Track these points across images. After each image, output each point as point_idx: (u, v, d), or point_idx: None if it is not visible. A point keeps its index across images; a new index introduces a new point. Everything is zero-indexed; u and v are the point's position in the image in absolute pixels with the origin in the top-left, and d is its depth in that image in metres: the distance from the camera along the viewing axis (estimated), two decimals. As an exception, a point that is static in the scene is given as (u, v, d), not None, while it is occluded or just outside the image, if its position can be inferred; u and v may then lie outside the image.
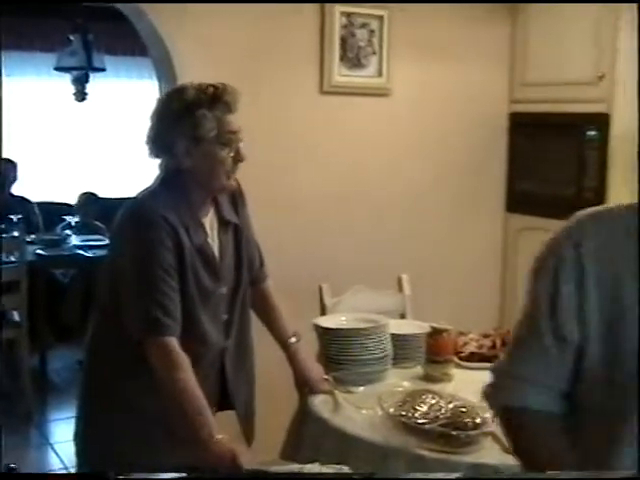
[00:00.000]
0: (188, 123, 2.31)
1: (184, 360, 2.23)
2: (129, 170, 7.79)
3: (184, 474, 1.81)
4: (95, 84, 7.34)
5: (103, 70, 7.26)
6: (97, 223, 6.84)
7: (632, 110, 4.11)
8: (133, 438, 2.36)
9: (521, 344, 1.57)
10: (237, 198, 2.57)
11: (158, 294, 2.25)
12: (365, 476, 1.77)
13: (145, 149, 2.40)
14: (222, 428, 2.39)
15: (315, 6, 4.08)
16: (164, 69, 3.85)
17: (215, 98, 2.33)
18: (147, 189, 2.43)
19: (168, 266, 2.28)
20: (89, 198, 7.15)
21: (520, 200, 4.73)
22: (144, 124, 2.39)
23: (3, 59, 5.85)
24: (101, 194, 7.32)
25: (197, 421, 2.17)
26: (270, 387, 2.90)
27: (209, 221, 2.47)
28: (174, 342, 2.24)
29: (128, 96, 8.22)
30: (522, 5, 4.57)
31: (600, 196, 4.20)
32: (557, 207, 4.41)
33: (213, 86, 2.34)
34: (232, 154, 2.37)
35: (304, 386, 2.70)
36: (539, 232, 4.55)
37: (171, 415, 2.23)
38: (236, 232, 2.55)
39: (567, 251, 1.48)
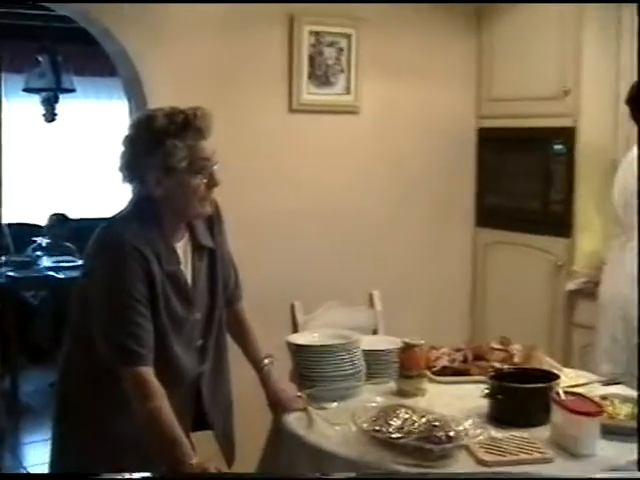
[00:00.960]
0: (158, 153, 2.25)
1: (158, 389, 2.20)
2: (99, 190, 7.77)
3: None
4: (65, 105, 7.33)
5: (72, 91, 7.26)
6: (68, 244, 6.80)
7: (598, 123, 4.18)
8: (106, 460, 2.32)
9: None
10: (214, 220, 2.52)
11: (132, 325, 2.22)
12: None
13: (118, 175, 2.35)
14: (203, 449, 2.38)
15: (283, 25, 4.10)
16: (133, 90, 3.85)
17: (186, 125, 2.26)
18: (120, 214, 2.40)
19: (140, 296, 2.24)
20: (59, 219, 7.12)
21: (489, 214, 4.76)
22: (114, 145, 2.35)
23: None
24: (71, 215, 7.29)
25: (171, 447, 2.16)
26: (248, 407, 2.89)
27: (183, 246, 2.42)
28: (149, 372, 2.21)
29: (98, 117, 8.22)
30: (487, 21, 4.62)
31: (567, 209, 4.25)
32: (525, 221, 4.48)
33: (184, 112, 2.28)
34: (205, 180, 2.31)
35: (277, 407, 2.68)
36: (508, 246, 4.60)
37: (145, 437, 2.22)
38: (211, 256, 2.51)
39: None
